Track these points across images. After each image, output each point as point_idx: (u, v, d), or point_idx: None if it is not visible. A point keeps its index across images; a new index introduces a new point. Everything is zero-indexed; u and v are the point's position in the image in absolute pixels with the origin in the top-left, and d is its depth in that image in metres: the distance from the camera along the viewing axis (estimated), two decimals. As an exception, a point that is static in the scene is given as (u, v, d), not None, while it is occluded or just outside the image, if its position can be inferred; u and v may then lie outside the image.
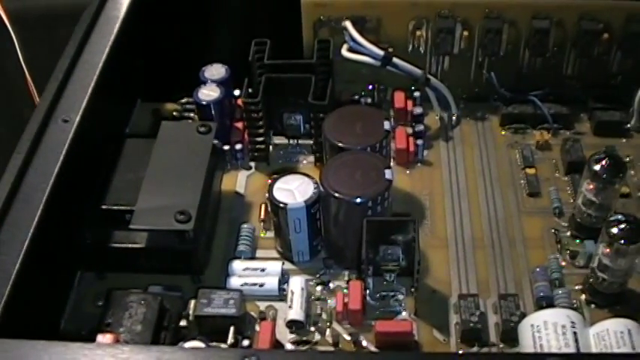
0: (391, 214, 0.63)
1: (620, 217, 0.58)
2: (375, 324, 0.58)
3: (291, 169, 0.68)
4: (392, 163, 0.70)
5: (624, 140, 0.73)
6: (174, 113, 0.74)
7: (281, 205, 0.60)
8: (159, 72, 0.74)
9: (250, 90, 0.69)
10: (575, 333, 0.55)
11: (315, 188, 0.61)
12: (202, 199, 0.61)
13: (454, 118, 0.74)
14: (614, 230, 0.58)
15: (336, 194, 0.59)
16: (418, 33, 0.72)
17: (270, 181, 0.65)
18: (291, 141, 0.72)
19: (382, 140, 0.63)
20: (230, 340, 0.57)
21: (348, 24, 0.70)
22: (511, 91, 0.74)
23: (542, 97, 0.74)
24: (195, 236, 0.60)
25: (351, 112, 0.65)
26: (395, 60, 0.70)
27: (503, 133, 0.74)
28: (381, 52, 0.69)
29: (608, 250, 0.58)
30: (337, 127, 0.64)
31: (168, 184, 0.61)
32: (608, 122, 0.73)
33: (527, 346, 0.56)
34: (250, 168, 0.71)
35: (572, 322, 0.56)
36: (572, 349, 0.54)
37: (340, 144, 0.63)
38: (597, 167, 0.62)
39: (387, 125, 0.63)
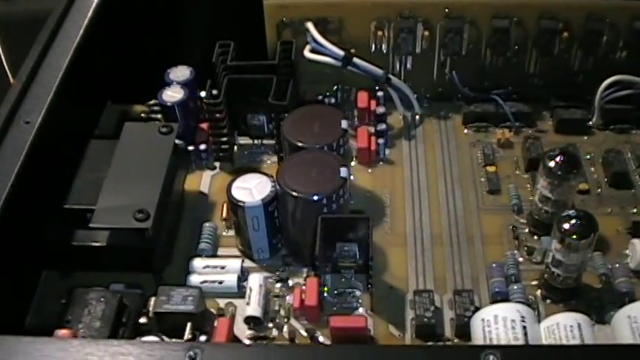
0: (349, 211, 0.64)
1: (571, 212, 0.59)
2: (329, 319, 0.59)
3: (255, 169, 0.69)
4: (354, 162, 0.72)
5: (586, 138, 0.74)
6: (143, 115, 0.75)
7: (239, 203, 0.61)
8: (128, 74, 0.75)
9: (215, 91, 0.70)
10: (524, 327, 0.56)
11: (272, 187, 0.62)
12: (162, 198, 0.62)
13: (417, 117, 0.75)
14: (566, 226, 0.58)
15: (292, 192, 0.60)
16: (380, 33, 0.72)
17: (231, 180, 0.66)
18: (256, 141, 0.73)
19: (339, 139, 0.64)
20: (187, 335, 0.58)
21: (309, 25, 0.71)
22: (474, 90, 0.75)
23: (505, 95, 0.75)
24: (154, 234, 0.61)
25: (310, 112, 0.66)
26: (355, 60, 0.71)
27: (465, 131, 0.75)
28: (342, 53, 0.70)
29: (560, 245, 0.59)
30: (296, 126, 0.65)
31: (129, 183, 0.62)
32: (569, 120, 0.74)
33: (477, 339, 0.56)
34: (215, 168, 0.72)
35: (522, 317, 0.56)
36: (521, 343, 0.55)
37: (298, 143, 0.64)
38: (552, 164, 0.62)
39: (344, 124, 0.64)
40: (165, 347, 0.48)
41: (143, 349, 0.47)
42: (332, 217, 0.60)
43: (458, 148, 0.73)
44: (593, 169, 0.71)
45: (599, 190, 0.70)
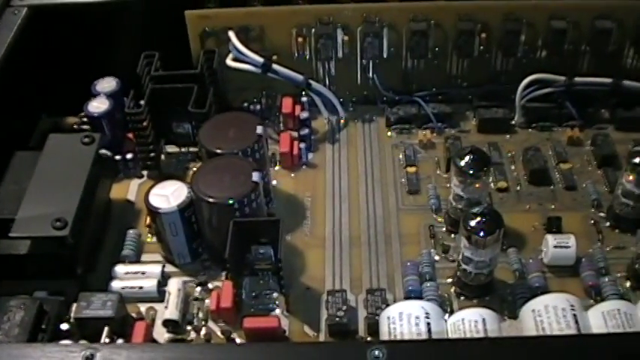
0: (266, 215, 0.65)
1: (476, 210, 0.60)
2: (242, 321, 0.60)
3: (181, 177, 0.71)
4: (277, 167, 0.73)
5: (508, 136, 0.76)
6: (74, 126, 0.76)
7: (155, 210, 0.63)
8: (60, 87, 0.76)
9: (141, 102, 0.71)
10: (428, 323, 0.57)
11: (188, 193, 0.63)
12: (81, 207, 0.63)
13: (342, 121, 0.77)
14: (472, 223, 0.59)
15: (204, 197, 0.61)
16: (300, 40, 0.74)
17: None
18: (182, 149, 0.74)
19: (254, 144, 0.65)
20: (103, 339, 0.59)
21: (231, 34, 0.73)
22: (398, 93, 0.76)
23: (430, 97, 0.76)
24: (75, 242, 0.62)
25: (228, 119, 0.68)
26: (275, 67, 0.72)
27: (389, 134, 0.76)
28: (261, 60, 0.72)
29: (467, 242, 0.60)
30: (212, 133, 0.66)
31: (49, 193, 0.63)
32: (491, 119, 0.75)
33: (384, 336, 0.57)
34: (142, 176, 0.73)
35: (427, 313, 0.57)
36: (424, 337, 0.56)
37: (214, 149, 0.65)
38: (462, 163, 0.64)
39: (259, 130, 0.66)
40: (64, 349, 0.49)
41: (43, 351, 0.49)
42: (243, 220, 0.61)
43: (380, 151, 0.74)
44: (513, 167, 0.73)
45: (519, 187, 0.71)
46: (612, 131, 0.75)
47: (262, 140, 0.66)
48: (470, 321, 0.57)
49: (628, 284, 0.63)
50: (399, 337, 0.56)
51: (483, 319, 0.57)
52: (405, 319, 0.57)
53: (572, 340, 0.51)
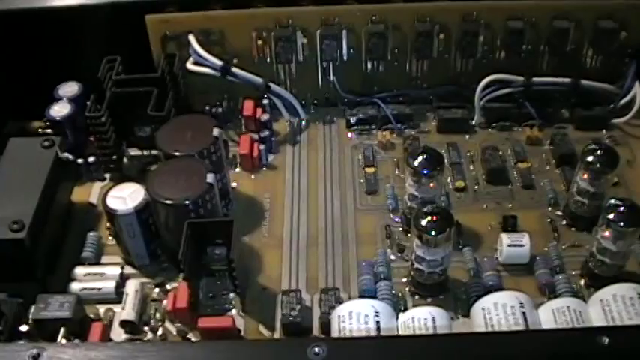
0: (221, 216, 0.66)
1: (426, 209, 0.61)
2: (197, 320, 0.61)
3: (143, 180, 0.71)
4: (238, 169, 0.74)
5: (467, 137, 0.76)
6: (40, 130, 0.77)
7: (112, 212, 0.63)
8: (26, 92, 0.77)
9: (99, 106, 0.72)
10: (377, 322, 0.57)
11: (145, 195, 0.64)
12: (39, 210, 0.64)
13: (303, 123, 0.77)
14: (422, 222, 0.60)
15: (159, 199, 0.62)
16: (260, 43, 0.74)
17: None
18: (144, 152, 0.74)
19: (210, 146, 0.65)
20: (59, 340, 0.60)
21: (191, 38, 0.73)
22: (358, 95, 0.77)
23: (392, 98, 0.77)
24: (33, 244, 0.63)
25: (185, 122, 0.68)
26: (234, 70, 0.73)
27: (349, 135, 0.77)
28: (220, 63, 0.73)
29: (419, 241, 0.61)
30: (169, 135, 0.67)
31: (8, 196, 0.64)
32: (451, 120, 0.76)
33: (334, 334, 0.58)
34: (104, 179, 0.74)
35: (376, 312, 0.58)
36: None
37: (170, 151, 0.66)
38: (415, 163, 0.64)
39: (216, 132, 0.66)
40: (11, 348, 0.50)
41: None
42: (198, 221, 0.62)
43: (340, 152, 0.75)
44: (472, 166, 0.73)
45: (477, 187, 0.72)
46: (572, 131, 0.76)
47: (219, 142, 0.66)
48: (420, 319, 0.58)
49: (582, 282, 0.64)
50: (347, 334, 0.57)
51: (433, 317, 0.58)
52: (355, 317, 0.58)
53: (513, 336, 0.52)
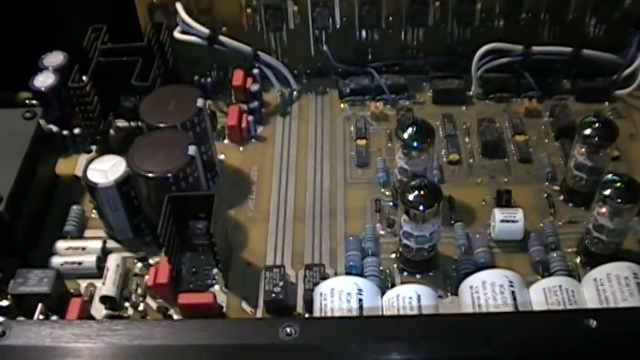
0: (204, 190, 0.64)
1: (414, 183, 0.58)
2: (178, 297, 0.59)
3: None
4: (226, 141, 0.72)
5: (464, 108, 0.74)
6: (27, 101, 0.75)
7: (92, 185, 0.62)
8: (13, 62, 0.75)
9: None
10: (360, 300, 0.55)
11: (127, 167, 0.62)
12: (19, 183, 0.62)
13: (294, 93, 0.75)
14: (410, 197, 0.58)
15: (139, 171, 0.60)
16: (249, 11, 0.72)
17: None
18: (132, 123, 0.73)
19: (193, 117, 0.64)
20: (37, 315, 0.58)
21: (178, 6, 0.71)
22: (351, 64, 0.75)
23: (387, 68, 0.75)
24: (12, 218, 0.62)
25: (169, 92, 0.66)
26: (222, 39, 0.71)
27: (342, 106, 0.75)
28: (207, 31, 0.70)
29: (406, 216, 0.59)
30: (152, 106, 0.65)
31: (-13, 169, 0.63)
32: (446, 90, 0.74)
33: (316, 312, 0.56)
34: (91, 151, 0.72)
35: (359, 290, 0.56)
36: (355, 314, 0.55)
37: (153, 122, 0.64)
38: (405, 135, 0.62)
39: (199, 103, 0.64)
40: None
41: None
42: (178, 195, 0.60)
43: (332, 123, 0.73)
44: (467, 139, 0.71)
45: (471, 160, 0.69)
46: (573, 102, 0.73)
47: (203, 113, 0.64)
48: (404, 297, 0.56)
49: (578, 260, 0.62)
50: (329, 314, 0.55)
51: (418, 296, 0.56)
52: (337, 295, 0.56)
53: (497, 318, 0.50)
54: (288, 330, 0.46)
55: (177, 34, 0.72)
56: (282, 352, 0.46)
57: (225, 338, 0.46)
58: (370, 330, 0.47)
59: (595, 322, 0.46)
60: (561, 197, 0.66)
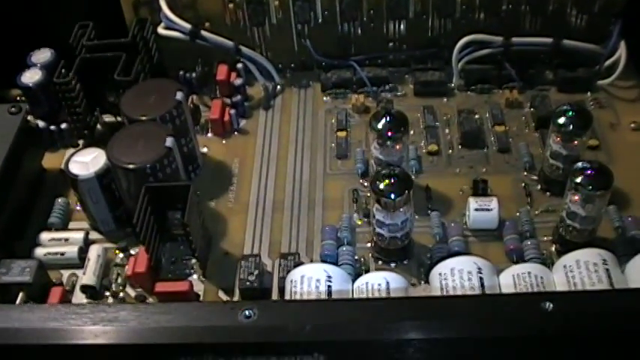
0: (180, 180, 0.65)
1: (384, 171, 0.59)
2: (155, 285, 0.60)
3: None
4: (210, 134, 0.73)
5: (445, 100, 0.74)
6: (18, 98, 0.77)
7: (73, 177, 0.63)
8: (2, 59, 0.77)
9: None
10: (329, 286, 0.56)
11: (107, 159, 0.63)
12: (3, 176, 0.64)
13: (278, 87, 0.76)
14: (380, 185, 0.58)
15: (118, 163, 0.61)
16: (231, 6, 0.73)
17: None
18: (118, 118, 0.74)
19: (172, 110, 0.65)
20: (17, 303, 0.60)
21: (161, 2, 0.72)
22: (334, 58, 0.75)
23: (370, 61, 0.75)
24: (-5, 210, 0.64)
25: (150, 86, 0.67)
26: (204, 34, 0.72)
27: (325, 99, 0.75)
28: (189, 27, 0.72)
29: (377, 205, 0.59)
30: (133, 100, 0.66)
31: (-29, 164, 0.65)
32: (428, 82, 0.74)
33: (287, 297, 0.57)
34: (78, 146, 0.73)
35: (329, 277, 0.57)
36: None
37: (133, 116, 0.65)
38: (379, 126, 0.63)
39: (179, 96, 0.65)
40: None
41: None
42: (154, 185, 0.61)
43: (314, 116, 0.74)
44: (447, 130, 0.71)
45: (450, 150, 0.70)
46: (555, 93, 0.74)
47: (182, 106, 0.65)
48: (373, 284, 0.56)
49: (553, 248, 0.62)
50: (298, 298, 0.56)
51: (387, 282, 0.56)
52: (306, 281, 0.56)
53: (454, 300, 0.51)
54: (247, 313, 0.47)
55: (160, 30, 0.73)
56: (240, 333, 0.46)
57: (188, 320, 0.47)
58: (329, 313, 0.47)
59: (551, 305, 0.46)
60: (539, 187, 0.66)
